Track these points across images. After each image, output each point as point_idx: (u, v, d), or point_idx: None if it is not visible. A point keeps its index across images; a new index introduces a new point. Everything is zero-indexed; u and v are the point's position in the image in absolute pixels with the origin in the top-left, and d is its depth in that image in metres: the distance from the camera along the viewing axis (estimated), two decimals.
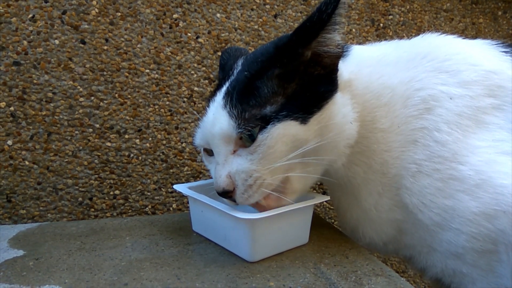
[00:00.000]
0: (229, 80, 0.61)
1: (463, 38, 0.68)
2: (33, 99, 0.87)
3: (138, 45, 0.93)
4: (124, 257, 0.61)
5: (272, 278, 0.55)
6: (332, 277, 0.56)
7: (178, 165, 0.97)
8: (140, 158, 0.95)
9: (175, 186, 0.72)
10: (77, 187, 0.91)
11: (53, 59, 0.88)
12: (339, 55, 0.59)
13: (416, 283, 1.21)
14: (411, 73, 0.63)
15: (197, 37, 0.97)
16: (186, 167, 0.98)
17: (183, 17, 0.96)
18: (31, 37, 0.86)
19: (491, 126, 0.58)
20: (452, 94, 0.59)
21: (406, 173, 0.61)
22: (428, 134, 0.59)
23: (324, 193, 1.00)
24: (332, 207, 1.10)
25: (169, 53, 0.95)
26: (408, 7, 1.16)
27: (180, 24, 0.96)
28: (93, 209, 0.92)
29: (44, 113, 0.88)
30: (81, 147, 0.90)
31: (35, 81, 0.87)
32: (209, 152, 0.63)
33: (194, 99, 0.98)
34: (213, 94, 0.63)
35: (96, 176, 0.92)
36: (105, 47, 0.91)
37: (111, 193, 0.93)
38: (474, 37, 0.90)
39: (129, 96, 0.93)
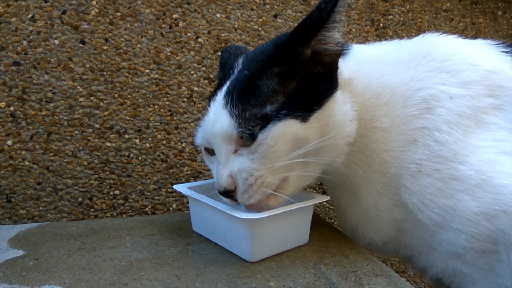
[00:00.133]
0: (230, 79, 0.61)
1: (463, 38, 0.68)
2: (33, 99, 0.87)
3: (138, 45, 0.93)
4: (124, 257, 0.61)
5: (272, 278, 0.55)
6: (332, 277, 0.56)
7: (178, 165, 0.97)
8: (140, 158, 0.95)
9: (175, 186, 0.72)
10: (77, 187, 0.91)
11: (53, 59, 0.88)
12: (339, 53, 0.59)
13: (416, 283, 1.21)
14: (411, 73, 0.63)
15: (197, 37, 0.97)
16: (186, 167, 0.98)
17: (183, 17, 0.96)
18: (31, 37, 0.86)
19: (491, 126, 0.58)
20: (452, 94, 0.59)
21: (406, 173, 0.61)
22: (428, 133, 0.59)
23: (324, 193, 1.00)
24: (332, 207, 1.10)
25: (169, 53, 0.95)
26: (408, 7, 1.16)
27: (180, 24, 0.96)
28: (93, 209, 0.92)
29: (44, 113, 0.88)
30: (81, 147, 0.90)
31: (35, 81, 0.87)
32: (210, 152, 0.63)
33: (194, 99, 0.98)
34: (214, 93, 0.63)
35: (96, 176, 0.92)
36: (105, 47, 0.91)
37: (111, 193, 0.93)
38: (474, 37, 0.90)
39: (129, 96, 0.93)
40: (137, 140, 0.94)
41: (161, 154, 0.96)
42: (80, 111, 0.90)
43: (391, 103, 0.63)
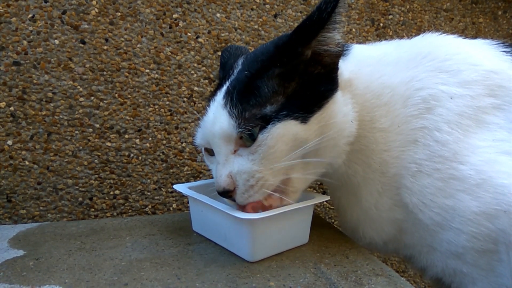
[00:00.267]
0: (230, 80, 0.61)
1: (463, 38, 0.68)
2: (33, 99, 0.87)
3: (138, 45, 0.93)
4: (124, 257, 0.61)
5: (272, 278, 0.55)
6: (332, 277, 0.56)
7: (178, 165, 0.97)
8: (140, 158, 0.95)
9: (175, 186, 0.72)
10: (77, 187, 0.91)
11: (53, 59, 0.88)
12: (339, 54, 0.59)
13: (416, 283, 1.21)
14: (411, 73, 0.63)
15: (197, 37, 0.97)
16: (186, 167, 0.98)
17: (183, 17, 0.96)
18: (31, 37, 0.86)
19: (491, 126, 0.58)
20: (452, 94, 0.59)
21: (406, 173, 0.61)
22: (429, 133, 0.59)
23: (324, 193, 1.00)
24: (332, 207, 1.10)
25: (169, 53, 0.95)
26: (408, 6, 1.16)
27: (180, 24, 0.95)
28: (93, 209, 0.92)
29: (44, 113, 0.88)
30: (81, 147, 0.90)
31: (35, 81, 0.87)
32: (210, 152, 0.63)
33: (194, 99, 0.98)
34: (214, 93, 0.63)
35: (96, 176, 0.92)
36: (105, 47, 0.91)
37: (111, 193, 0.93)
38: (474, 36, 0.90)
39: (129, 96, 0.93)
40: (137, 140, 0.94)
41: (161, 154, 0.96)
42: (80, 111, 0.90)
43: (391, 103, 0.63)
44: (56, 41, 0.88)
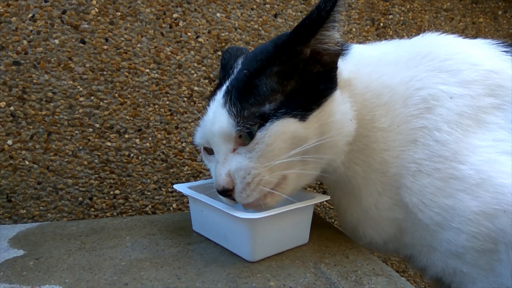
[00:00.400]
0: (229, 79, 0.61)
1: (464, 38, 0.68)
2: (33, 99, 0.87)
3: (138, 45, 0.93)
4: (124, 256, 0.61)
5: (272, 278, 0.55)
6: (332, 277, 0.56)
7: (178, 165, 0.97)
8: (140, 157, 0.95)
9: (175, 186, 0.72)
10: (77, 187, 0.91)
11: (53, 58, 0.88)
12: (338, 53, 0.59)
13: (416, 283, 1.21)
14: (411, 73, 0.63)
15: (197, 37, 0.97)
16: (186, 167, 0.98)
17: (183, 16, 0.96)
18: (31, 36, 0.86)
19: (491, 126, 0.58)
20: (452, 94, 0.59)
21: (406, 172, 0.61)
22: (428, 133, 0.59)
23: (324, 192, 1.00)
24: (332, 207, 1.10)
25: (169, 53, 0.95)
26: (408, 6, 1.16)
27: (180, 24, 0.95)
28: (93, 209, 0.92)
29: (44, 112, 0.88)
30: (81, 147, 0.90)
31: (35, 81, 0.87)
32: (209, 151, 0.63)
33: (194, 98, 0.98)
34: (214, 93, 0.63)
35: (96, 175, 0.92)
36: (105, 47, 0.91)
37: (111, 192, 0.93)
38: (475, 36, 0.90)
39: (129, 96, 0.93)
40: (137, 140, 0.94)
41: (161, 153, 0.96)
42: (80, 110, 0.90)
43: (391, 103, 0.63)
44: (56, 41, 0.88)
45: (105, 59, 0.91)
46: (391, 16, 1.15)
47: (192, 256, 0.62)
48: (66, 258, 0.61)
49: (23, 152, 0.87)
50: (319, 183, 1.03)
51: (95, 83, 0.90)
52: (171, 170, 0.97)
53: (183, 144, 0.97)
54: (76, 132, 0.90)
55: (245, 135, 0.55)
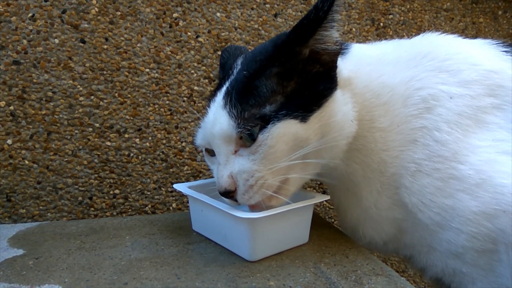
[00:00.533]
0: (229, 80, 0.61)
1: (464, 38, 0.68)
2: (33, 98, 0.87)
3: (138, 44, 0.93)
4: (124, 256, 0.61)
5: (272, 278, 0.55)
6: (332, 277, 0.56)
7: (178, 165, 0.97)
8: (140, 157, 0.95)
9: (175, 186, 0.72)
10: (77, 187, 0.91)
11: (53, 58, 0.88)
12: (337, 52, 0.59)
13: (416, 283, 1.21)
14: (411, 72, 0.63)
15: (197, 36, 0.97)
16: (186, 167, 0.98)
17: (183, 16, 0.96)
18: (31, 36, 0.86)
19: (491, 126, 0.58)
20: (452, 94, 0.59)
21: (405, 172, 0.61)
22: (428, 133, 0.59)
23: (324, 192, 1.00)
24: (332, 207, 1.10)
25: (169, 52, 0.95)
26: (408, 6, 1.16)
27: (180, 23, 0.95)
28: (93, 209, 0.92)
29: (44, 112, 0.88)
30: (81, 147, 0.90)
31: (35, 80, 0.87)
32: (211, 152, 0.63)
33: (194, 98, 0.98)
34: (214, 94, 0.63)
35: (96, 175, 0.92)
36: (105, 46, 0.91)
37: (111, 192, 0.93)
38: (475, 36, 0.90)
39: (129, 95, 0.93)
40: (137, 140, 0.94)
41: (161, 153, 0.96)
42: (80, 110, 0.90)
43: (391, 103, 0.62)
44: (56, 40, 0.88)
45: (105, 58, 0.91)
46: (391, 16, 1.15)
47: (192, 255, 0.62)
48: (65, 258, 0.61)
49: (23, 151, 0.87)
50: (319, 183, 1.03)
51: (95, 83, 0.90)
52: (171, 169, 0.97)
53: (183, 144, 0.97)
54: (76, 131, 0.90)
55: (245, 137, 0.55)
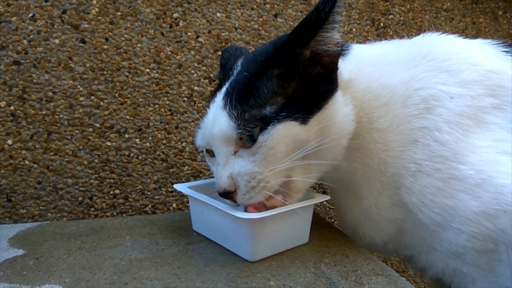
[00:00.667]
0: (229, 81, 0.61)
1: (464, 38, 0.68)
2: (33, 99, 0.87)
3: (138, 45, 0.93)
4: (124, 256, 0.61)
5: (272, 278, 0.55)
6: (332, 277, 0.56)
7: (178, 165, 0.97)
8: (140, 157, 0.95)
9: (175, 186, 0.72)
10: (77, 187, 0.91)
11: (53, 58, 0.88)
12: (338, 54, 0.59)
13: (416, 283, 1.21)
14: (411, 73, 0.63)
15: (197, 37, 0.97)
16: (186, 167, 0.98)
17: (183, 16, 0.96)
18: (31, 36, 0.86)
19: (491, 126, 0.58)
20: (452, 94, 0.59)
21: (405, 173, 0.61)
22: (428, 133, 0.59)
23: (324, 192, 1.00)
24: (332, 207, 1.10)
25: (169, 53, 0.95)
26: (408, 6, 1.16)
27: (180, 24, 0.95)
28: (93, 209, 0.92)
29: (44, 112, 0.88)
30: (81, 147, 0.90)
31: (35, 81, 0.87)
32: (211, 153, 0.63)
33: (194, 98, 0.98)
34: (213, 94, 0.63)
35: (96, 175, 0.92)
36: (105, 47, 0.91)
37: (111, 192, 0.93)
38: (475, 36, 0.90)
39: (129, 96, 0.93)
40: (137, 140, 0.94)
41: (161, 153, 0.96)
42: (81, 110, 0.90)
43: (391, 103, 0.62)
44: (56, 41, 0.88)
45: (105, 58, 0.91)
46: (391, 16, 1.15)
47: (192, 255, 0.62)
48: (66, 258, 0.61)
49: (23, 151, 0.87)
50: (319, 183, 1.03)
51: (95, 83, 0.90)
52: (171, 170, 0.97)
53: (183, 144, 0.97)
54: (76, 131, 0.90)
55: (246, 138, 0.55)
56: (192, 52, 0.97)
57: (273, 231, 0.61)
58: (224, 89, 0.60)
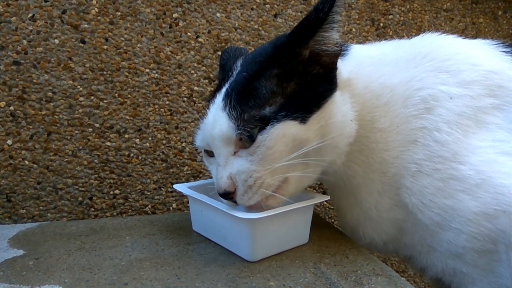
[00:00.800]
0: (229, 81, 0.61)
1: (463, 38, 0.68)
2: (33, 99, 0.87)
3: (138, 45, 0.93)
4: (124, 256, 0.61)
5: (272, 278, 0.55)
6: (332, 277, 0.56)
7: (178, 165, 0.97)
8: (140, 157, 0.95)
9: (175, 186, 0.72)
10: (77, 187, 0.91)
11: (53, 58, 0.88)
12: (337, 54, 0.59)
13: (416, 283, 1.21)
14: (411, 73, 0.63)
15: (197, 37, 0.97)
16: (186, 167, 0.98)
17: (183, 16, 0.96)
18: (31, 36, 0.86)
19: (491, 126, 0.58)
20: (452, 94, 0.59)
21: (406, 173, 0.61)
22: (428, 133, 0.59)
23: (324, 192, 1.00)
24: (332, 207, 1.11)
25: (169, 53, 0.95)
26: (408, 6, 1.16)
27: (180, 24, 0.95)
28: (93, 209, 0.92)
29: (44, 112, 0.88)
30: (81, 147, 0.90)
31: (35, 81, 0.87)
32: (210, 154, 0.63)
33: (194, 98, 0.98)
34: (213, 95, 0.63)
35: (96, 175, 0.92)
36: (105, 47, 0.91)
37: (111, 192, 0.93)
38: (474, 37, 0.90)
39: (129, 96, 0.93)
40: (137, 140, 0.94)
41: (161, 153, 0.96)
42: (80, 110, 0.90)
43: (391, 103, 0.63)
44: (56, 41, 0.88)
45: (105, 59, 0.91)
46: (391, 16, 1.15)
47: (192, 256, 0.62)
48: (65, 258, 0.61)
49: (23, 152, 0.87)
50: (319, 183, 1.03)
51: (95, 83, 0.90)
52: (171, 170, 0.97)
53: (183, 144, 0.97)
54: (76, 132, 0.90)
55: (245, 138, 0.55)
56: (192, 52, 0.97)
57: (273, 231, 0.61)
58: (223, 89, 0.60)
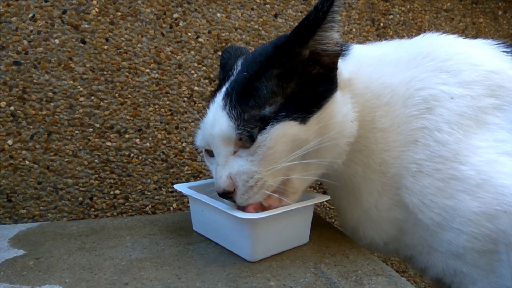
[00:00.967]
0: (229, 81, 0.61)
1: (464, 38, 0.68)
2: (33, 99, 0.87)
3: (139, 45, 0.93)
4: (125, 256, 0.61)
5: (273, 278, 0.55)
6: (333, 277, 0.56)
7: (179, 165, 0.97)
8: (140, 157, 0.95)
9: (175, 186, 0.72)
10: (77, 187, 0.91)
11: (53, 58, 0.88)
12: (338, 54, 0.59)
13: (417, 283, 1.21)
14: (411, 73, 0.63)
15: (198, 37, 0.97)
16: (186, 167, 0.98)
17: (183, 16, 0.96)
18: (31, 36, 0.86)
19: (492, 126, 0.58)
20: (453, 94, 0.59)
21: (406, 173, 0.61)
22: (429, 134, 0.59)
23: (324, 192, 1.00)
24: (332, 207, 1.10)
25: (170, 53, 0.95)
26: (408, 6, 1.16)
27: (180, 24, 0.95)
28: (93, 209, 0.92)
29: (44, 112, 0.88)
30: (81, 147, 0.90)
31: (35, 81, 0.87)
32: (210, 153, 0.63)
33: (195, 98, 0.98)
34: (213, 94, 0.63)
35: (97, 175, 0.92)
36: (105, 47, 0.91)
37: (112, 192, 0.93)
38: (475, 37, 0.90)
39: (130, 96, 0.93)
40: (138, 140, 0.94)
41: (161, 153, 0.96)
42: (81, 110, 0.90)
43: (391, 103, 0.63)
44: (57, 41, 0.88)
45: (105, 59, 0.91)
46: (391, 16, 1.15)
47: (192, 256, 0.62)
48: (66, 258, 0.61)
49: (23, 152, 0.87)
50: (319, 183, 1.03)
51: (95, 83, 0.90)
52: (171, 170, 0.97)
53: (183, 144, 0.97)
54: (76, 132, 0.90)
55: (245, 138, 0.55)
56: (192, 52, 0.97)
57: (273, 231, 0.61)
58: (224, 89, 0.60)
